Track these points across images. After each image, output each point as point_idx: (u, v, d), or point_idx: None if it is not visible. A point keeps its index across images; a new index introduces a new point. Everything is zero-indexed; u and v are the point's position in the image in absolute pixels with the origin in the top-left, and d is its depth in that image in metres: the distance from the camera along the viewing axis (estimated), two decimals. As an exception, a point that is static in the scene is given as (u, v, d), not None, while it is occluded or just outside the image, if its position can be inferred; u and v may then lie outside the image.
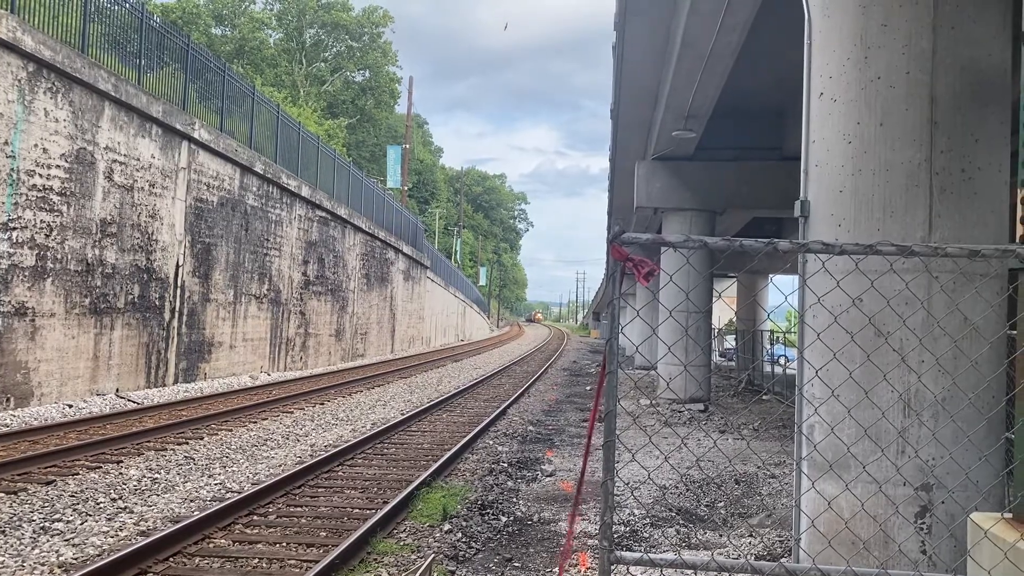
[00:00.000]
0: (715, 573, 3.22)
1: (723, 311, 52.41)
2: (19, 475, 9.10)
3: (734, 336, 37.97)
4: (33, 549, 6.55)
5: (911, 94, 4.90)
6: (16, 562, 6.21)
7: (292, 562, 6.54)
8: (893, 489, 4.70)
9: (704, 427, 16.02)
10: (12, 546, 6.59)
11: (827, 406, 4.79)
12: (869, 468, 4.64)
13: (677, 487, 9.81)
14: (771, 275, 36.62)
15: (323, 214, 28.86)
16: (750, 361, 29.46)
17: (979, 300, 4.69)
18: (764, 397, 21.44)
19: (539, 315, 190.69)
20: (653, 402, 19.82)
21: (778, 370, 27.43)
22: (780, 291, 4.02)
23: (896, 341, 4.71)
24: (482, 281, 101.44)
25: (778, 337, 29.94)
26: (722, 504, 9.11)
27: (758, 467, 11.27)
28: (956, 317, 4.66)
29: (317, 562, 6.23)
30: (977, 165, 4.84)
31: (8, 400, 13.64)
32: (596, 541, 7.24)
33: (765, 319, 33.51)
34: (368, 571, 6.42)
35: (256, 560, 6.57)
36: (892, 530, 4.71)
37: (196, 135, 19.36)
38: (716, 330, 34.27)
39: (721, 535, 7.79)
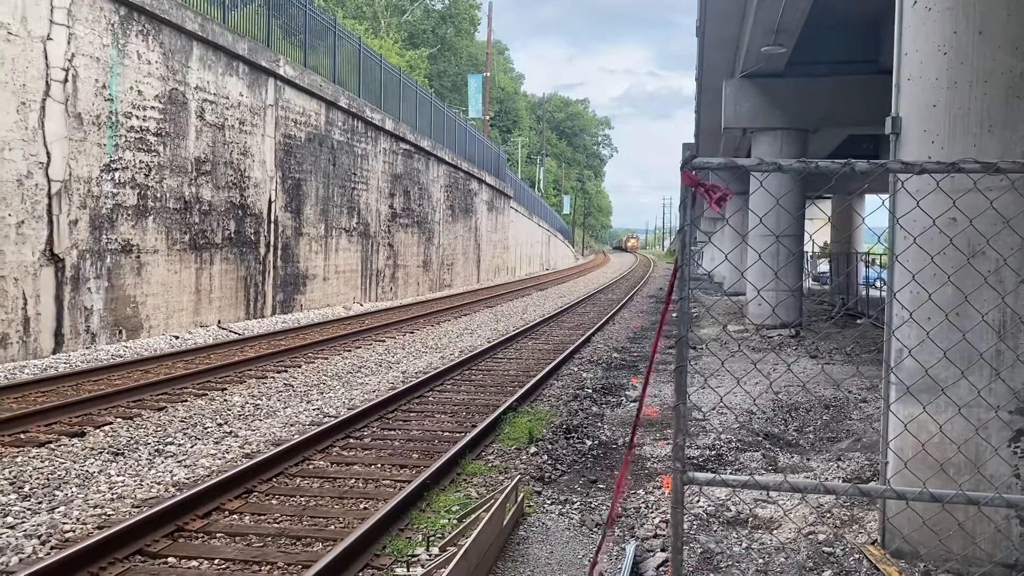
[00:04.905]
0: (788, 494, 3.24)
1: (817, 234, 50.76)
2: (134, 402, 9.74)
3: (827, 259, 36.87)
4: (150, 470, 7.06)
5: (1014, -2, 4.60)
6: (135, 481, 6.72)
7: (387, 482, 6.86)
8: (987, 413, 4.59)
9: (795, 352, 15.79)
10: (131, 467, 7.12)
11: (919, 329, 4.67)
12: (961, 392, 4.53)
13: (764, 412, 9.77)
14: (879, 195, 35.07)
15: (407, 147, 29.08)
16: (844, 285, 28.64)
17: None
18: (858, 322, 20.91)
19: (635, 240, 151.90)
20: (743, 327, 19.59)
21: (874, 293, 26.62)
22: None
23: (998, 261, 4.53)
24: (566, 210, 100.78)
25: (874, 260, 28.94)
26: (810, 429, 9.04)
27: (849, 392, 11.10)
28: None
29: (410, 482, 6.51)
30: (1086, 73, 4.53)
31: (121, 332, 14.50)
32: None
33: (876, 242, 32.20)
34: (458, 491, 6.68)
35: (353, 480, 6.92)
36: (984, 454, 4.62)
37: (281, 72, 19.67)
38: (808, 254, 33.27)
39: (808, 459, 7.76)
